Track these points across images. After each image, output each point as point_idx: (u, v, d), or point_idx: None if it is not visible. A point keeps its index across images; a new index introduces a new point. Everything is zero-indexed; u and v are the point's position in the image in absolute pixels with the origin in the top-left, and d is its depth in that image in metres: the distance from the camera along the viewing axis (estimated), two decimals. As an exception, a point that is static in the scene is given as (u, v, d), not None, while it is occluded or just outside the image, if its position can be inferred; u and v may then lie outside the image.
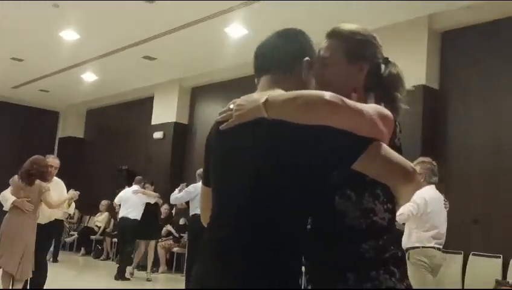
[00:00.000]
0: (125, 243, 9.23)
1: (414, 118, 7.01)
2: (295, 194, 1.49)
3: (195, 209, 7.82)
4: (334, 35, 1.73)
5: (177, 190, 8.39)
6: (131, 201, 9.02)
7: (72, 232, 13.13)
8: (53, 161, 5.97)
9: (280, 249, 1.46)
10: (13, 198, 5.31)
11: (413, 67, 7.12)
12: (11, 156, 13.74)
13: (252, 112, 1.50)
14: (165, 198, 10.52)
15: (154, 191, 9.42)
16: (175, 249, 10.22)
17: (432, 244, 4.63)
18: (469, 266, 6.42)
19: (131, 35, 8.71)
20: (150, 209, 9.18)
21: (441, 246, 4.76)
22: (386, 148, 1.47)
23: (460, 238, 6.54)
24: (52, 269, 6.11)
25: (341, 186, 1.53)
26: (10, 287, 5.19)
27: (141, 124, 12.30)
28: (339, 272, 1.50)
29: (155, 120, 11.80)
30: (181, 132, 11.33)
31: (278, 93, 1.52)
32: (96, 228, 12.54)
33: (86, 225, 13.36)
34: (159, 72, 10.83)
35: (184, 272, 9.80)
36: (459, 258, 6.51)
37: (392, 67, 1.74)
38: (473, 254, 6.44)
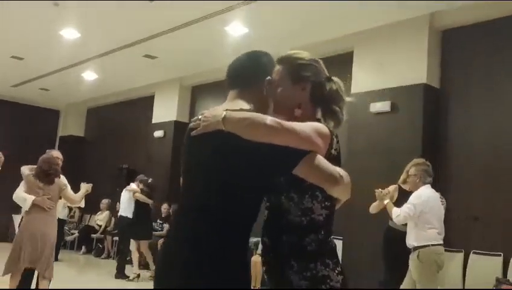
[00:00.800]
0: (120, 241, 9.36)
1: (415, 117, 7.02)
2: (241, 194, 1.81)
3: None
4: (282, 61, 2.04)
5: None
6: (123, 199, 9.09)
7: (72, 231, 13.15)
8: (58, 154, 6.01)
9: (227, 240, 1.76)
10: (32, 197, 5.25)
11: (414, 66, 7.12)
12: (11, 155, 13.75)
13: (214, 125, 1.82)
14: (165, 197, 10.54)
15: (152, 190, 9.26)
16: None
17: (439, 242, 4.75)
18: (469, 264, 6.42)
19: (132, 34, 8.70)
20: (142, 209, 9.08)
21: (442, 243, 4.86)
22: (318, 158, 1.81)
23: (461, 236, 6.56)
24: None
25: (287, 189, 1.87)
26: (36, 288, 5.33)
27: (142, 123, 12.30)
28: (287, 260, 1.84)
29: (155, 119, 11.79)
30: (182, 131, 11.28)
31: (239, 105, 1.90)
32: (97, 227, 12.56)
33: (86, 223, 13.38)
34: (160, 71, 10.83)
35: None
36: (460, 256, 6.51)
37: (333, 84, 2.01)
38: (474, 253, 6.44)
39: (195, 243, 1.75)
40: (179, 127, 11.26)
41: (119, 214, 9.29)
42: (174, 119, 11.32)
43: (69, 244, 12.92)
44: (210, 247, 1.74)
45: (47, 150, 6.07)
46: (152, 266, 9.02)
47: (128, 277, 8.84)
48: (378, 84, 7.48)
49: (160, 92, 11.81)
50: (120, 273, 8.83)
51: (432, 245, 4.66)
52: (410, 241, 4.56)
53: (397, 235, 5.03)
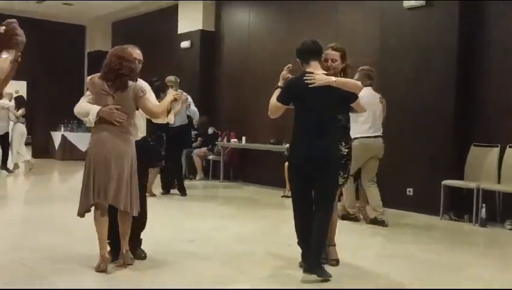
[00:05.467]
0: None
1: (451, 12, 6.71)
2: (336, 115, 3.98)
3: None
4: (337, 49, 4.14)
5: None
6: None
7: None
8: (134, 51, 4.09)
9: (332, 135, 3.88)
10: (97, 108, 3.78)
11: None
12: (41, 73, 13.92)
13: (326, 82, 3.75)
14: (196, 108, 10.58)
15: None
16: (210, 157, 10.45)
17: (367, 134, 5.92)
18: (505, 158, 6.40)
19: None
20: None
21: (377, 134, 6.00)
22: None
23: (497, 131, 6.53)
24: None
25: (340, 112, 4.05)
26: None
27: (168, 34, 12.12)
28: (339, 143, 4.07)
29: (181, 29, 11.60)
30: (208, 40, 11.14)
31: (321, 71, 3.85)
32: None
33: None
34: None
35: (221, 178, 10.13)
36: (496, 151, 6.48)
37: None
38: (510, 146, 6.39)
39: (328, 136, 3.82)
40: (205, 36, 11.08)
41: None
42: (200, 28, 11.11)
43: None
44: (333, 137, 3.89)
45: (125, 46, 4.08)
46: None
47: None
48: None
49: (183, 2, 11.51)
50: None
51: (361, 137, 5.80)
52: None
53: None
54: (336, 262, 4.09)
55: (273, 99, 3.88)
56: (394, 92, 7.07)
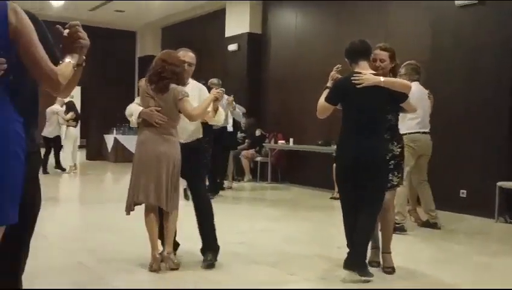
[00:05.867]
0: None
1: (505, 9, 6.50)
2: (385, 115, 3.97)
3: None
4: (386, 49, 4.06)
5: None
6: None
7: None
8: (186, 54, 4.14)
9: (380, 135, 3.88)
10: (140, 109, 3.91)
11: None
12: (95, 79, 14.37)
13: (374, 82, 3.73)
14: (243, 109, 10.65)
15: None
16: (258, 159, 10.51)
17: (416, 130, 5.73)
18: None
19: None
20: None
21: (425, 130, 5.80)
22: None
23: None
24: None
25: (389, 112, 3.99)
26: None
27: (215, 38, 12.29)
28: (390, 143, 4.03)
29: (228, 32, 11.73)
30: (255, 43, 11.22)
31: (370, 71, 3.81)
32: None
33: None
34: (229, -18, 10.58)
35: (269, 180, 10.18)
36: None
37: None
38: None
39: (376, 136, 3.81)
40: (252, 39, 11.16)
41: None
42: (248, 31, 11.20)
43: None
44: (381, 138, 3.88)
45: (178, 50, 4.19)
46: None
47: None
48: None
49: (231, 4, 11.64)
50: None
51: (409, 133, 5.58)
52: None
53: None
54: (391, 270, 3.97)
55: (322, 99, 3.92)
56: (446, 91, 6.91)
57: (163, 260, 3.86)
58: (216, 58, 12.14)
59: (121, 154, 13.93)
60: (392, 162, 3.98)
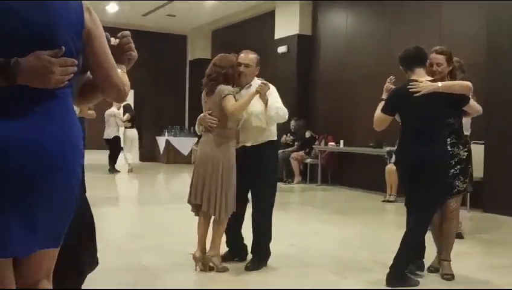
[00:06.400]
0: None
1: None
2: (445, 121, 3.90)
3: None
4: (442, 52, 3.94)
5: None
6: None
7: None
8: (245, 56, 4.14)
9: (439, 142, 3.77)
10: (201, 115, 4.03)
11: None
12: (146, 82, 14.70)
13: (432, 89, 3.63)
14: (292, 112, 10.65)
15: None
16: (308, 160, 10.47)
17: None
18: None
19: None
20: None
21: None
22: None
23: None
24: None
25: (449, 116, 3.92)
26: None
27: (265, 40, 12.32)
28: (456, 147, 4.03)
29: (278, 34, 11.74)
30: (305, 44, 11.18)
31: (427, 78, 3.74)
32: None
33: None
34: (279, -16, 10.59)
35: (319, 182, 10.12)
36: None
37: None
38: None
39: (434, 143, 3.71)
40: (302, 41, 11.13)
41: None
42: (297, 33, 11.17)
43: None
44: (441, 144, 3.79)
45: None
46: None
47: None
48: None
49: (280, 6, 11.65)
50: None
51: None
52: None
53: None
54: (451, 277, 3.88)
55: (378, 111, 3.86)
56: (504, 93, 6.67)
57: (205, 261, 3.88)
58: (265, 61, 12.06)
59: (173, 156, 14.22)
60: (458, 167, 3.95)
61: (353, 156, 9.82)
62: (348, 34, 10.28)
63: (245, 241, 4.23)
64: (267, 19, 12.15)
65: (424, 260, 4.01)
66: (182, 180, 10.23)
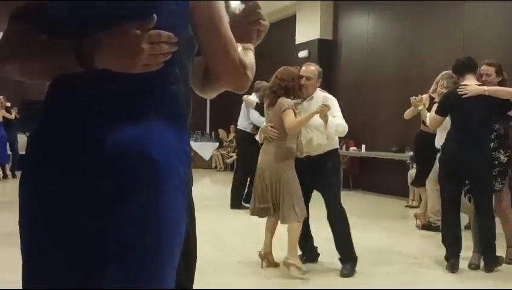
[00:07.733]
0: None
1: None
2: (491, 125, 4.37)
3: None
4: (491, 64, 4.42)
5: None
6: None
7: (231, 154, 13.89)
8: (306, 68, 4.23)
9: (483, 144, 4.28)
10: (263, 126, 4.18)
11: None
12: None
13: (478, 91, 4.10)
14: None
15: None
16: (329, 165, 10.42)
17: None
18: None
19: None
20: None
21: None
22: None
23: None
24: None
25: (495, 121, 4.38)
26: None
27: (286, 45, 12.35)
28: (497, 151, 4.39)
29: (299, 39, 11.76)
30: (326, 49, 11.18)
31: (475, 82, 4.20)
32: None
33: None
34: (299, -11, 10.62)
35: (341, 187, 10.04)
36: None
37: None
38: None
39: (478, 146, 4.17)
40: (323, 45, 11.13)
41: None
42: (318, 37, 11.18)
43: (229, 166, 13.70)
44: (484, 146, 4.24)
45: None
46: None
47: None
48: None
49: (301, 11, 11.68)
50: None
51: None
52: (437, 142, 5.11)
53: (427, 138, 5.63)
54: None
55: (432, 113, 4.63)
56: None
57: (284, 264, 3.97)
58: (286, 65, 12.18)
59: (193, 161, 14.30)
60: (497, 169, 4.32)
61: (375, 160, 9.77)
62: (369, 38, 10.25)
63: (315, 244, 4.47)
64: (288, 24, 12.17)
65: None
66: (204, 184, 10.28)
